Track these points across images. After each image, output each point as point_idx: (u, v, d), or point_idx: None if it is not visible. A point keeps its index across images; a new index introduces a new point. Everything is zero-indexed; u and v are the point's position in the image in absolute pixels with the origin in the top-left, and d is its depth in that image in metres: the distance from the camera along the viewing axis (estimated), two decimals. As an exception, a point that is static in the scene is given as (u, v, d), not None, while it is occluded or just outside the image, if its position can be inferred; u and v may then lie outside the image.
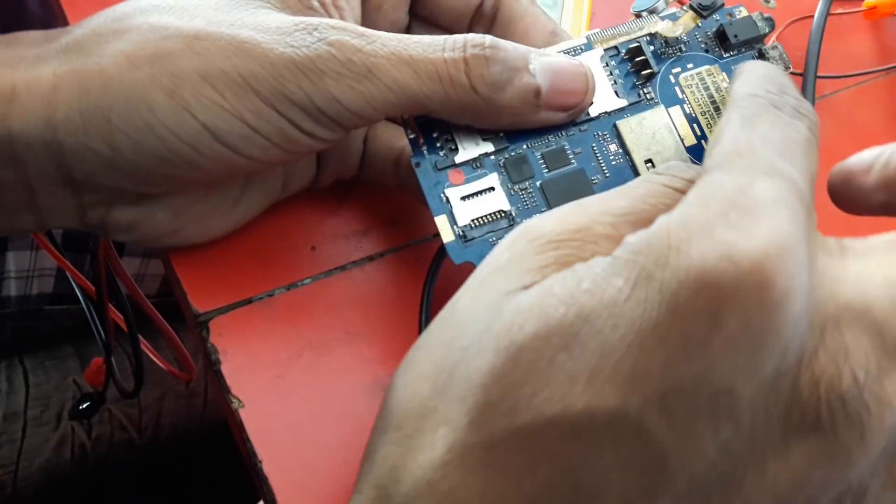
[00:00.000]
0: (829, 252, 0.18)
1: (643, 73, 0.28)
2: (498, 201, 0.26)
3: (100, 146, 0.24)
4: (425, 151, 0.26)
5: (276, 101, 0.24)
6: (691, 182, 0.19)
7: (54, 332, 0.62)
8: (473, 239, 0.25)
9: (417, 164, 0.26)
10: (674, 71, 0.28)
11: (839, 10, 0.49)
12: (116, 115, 0.23)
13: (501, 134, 0.27)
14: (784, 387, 0.17)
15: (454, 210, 0.26)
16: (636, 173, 0.27)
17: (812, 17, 0.46)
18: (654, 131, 0.27)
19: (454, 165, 0.26)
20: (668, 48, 0.28)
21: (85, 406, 0.54)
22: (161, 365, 0.47)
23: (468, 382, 0.17)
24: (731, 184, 0.17)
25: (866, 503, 0.18)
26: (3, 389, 0.57)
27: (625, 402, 0.16)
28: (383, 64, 0.24)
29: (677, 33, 0.28)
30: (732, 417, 0.16)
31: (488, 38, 0.25)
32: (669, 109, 0.27)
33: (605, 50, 0.28)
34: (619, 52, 0.28)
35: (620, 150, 0.27)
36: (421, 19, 0.31)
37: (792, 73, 0.45)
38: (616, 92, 0.27)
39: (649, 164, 0.27)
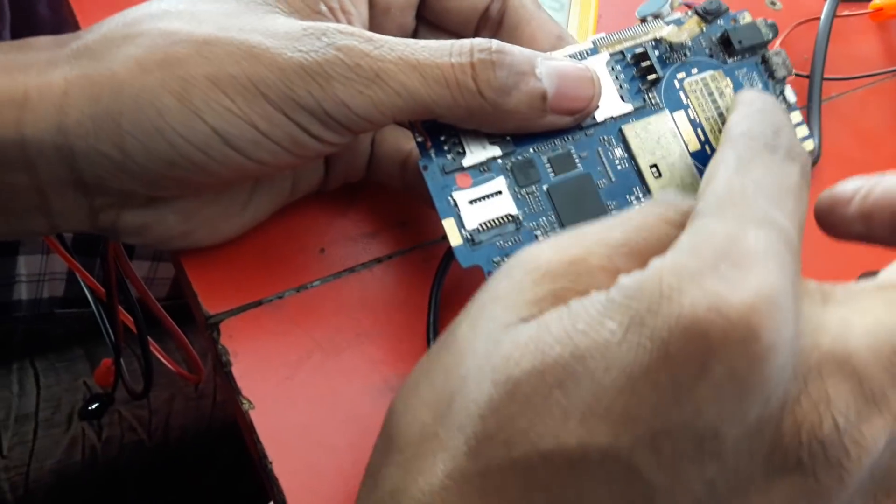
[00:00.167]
0: (812, 299, 0.19)
1: (648, 77, 0.28)
2: (505, 205, 0.26)
3: (110, 150, 0.24)
4: (433, 155, 0.27)
5: (285, 106, 0.24)
6: (686, 215, 0.20)
7: (65, 335, 0.63)
8: (481, 242, 0.26)
9: (425, 168, 0.26)
10: (678, 76, 0.28)
11: (846, 12, 0.49)
12: (127, 119, 0.24)
13: (508, 138, 0.27)
14: (767, 431, 0.17)
15: (462, 213, 0.26)
16: (641, 177, 0.27)
17: (818, 19, 0.47)
18: (658, 136, 0.27)
19: (461, 169, 0.26)
20: (672, 53, 0.28)
21: (94, 407, 0.55)
22: (170, 367, 0.47)
23: (466, 412, 0.18)
24: (724, 232, 0.18)
25: None
26: (15, 392, 0.58)
27: (616, 441, 0.17)
28: (391, 69, 0.24)
29: (682, 38, 0.28)
30: (717, 458, 0.17)
31: (495, 43, 0.25)
32: (674, 114, 0.28)
33: (610, 55, 0.28)
34: (624, 57, 0.28)
35: (626, 155, 0.27)
36: (428, 23, 0.32)
37: (798, 75, 0.45)
38: (621, 97, 0.28)
39: (654, 169, 0.27)
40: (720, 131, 0.27)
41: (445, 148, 0.27)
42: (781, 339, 0.17)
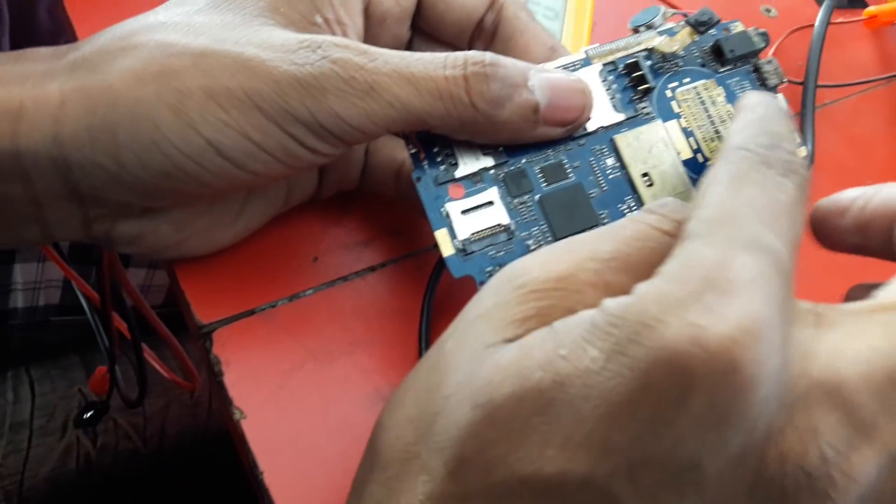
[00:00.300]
0: (804, 323, 0.19)
1: (640, 87, 0.28)
2: (497, 215, 0.26)
3: (106, 161, 0.24)
4: (426, 166, 0.27)
5: (280, 118, 0.24)
6: (679, 223, 0.20)
7: (61, 343, 0.63)
8: (473, 253, 0.26)
9: (418, 179, 0.27)
10: (670, 85, 0.28)
11: (840, 19, 0.50)
12: (123, 131, 0.24)
13: (501, 148, 0.27)
14: (751, 461, 0.17)
15: (454, 224, 0.26)
16: (633, 187, 0.27)
17: (813, 26, 0.47)
18: (650, 146, 0.27)
19: (454, 180, 0.27)
20: (665, 63, 0.28)
21: (89, 414, 0.55)
22: (165, 374, 0.48)
23: (447, 434, 0.18)
24: (711, 258, 0.18)
25: None
26: (10, 399, 0.58)
27: (595, 470, 0.17)
28: (385, 81, 0.25)
29: (674, 48, 0.28)
30: (698, 488, 0.17)
31: (488, 56, 0.26)
32: (666, 124, 0.28)
33: (603, 65, 0.28)
34: (616, 68, 0.28)
35: (618, 164, 0.27)
36: (423, 34, 0.32)
37: (791, 82, 0.45)
38: (614, 106, 0.28)
39: (646, 178, 0.27)
40: (712, 140, 0.28)
41: (438, 159, 0.27)
42: (765, 370, 0.16)
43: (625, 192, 0.27)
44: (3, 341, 0.60)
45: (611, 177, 0.27)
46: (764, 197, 0.19)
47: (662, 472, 0.17)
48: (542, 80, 0.26)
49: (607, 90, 0.28)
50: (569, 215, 0.26)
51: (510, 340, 0.19)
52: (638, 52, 0.28)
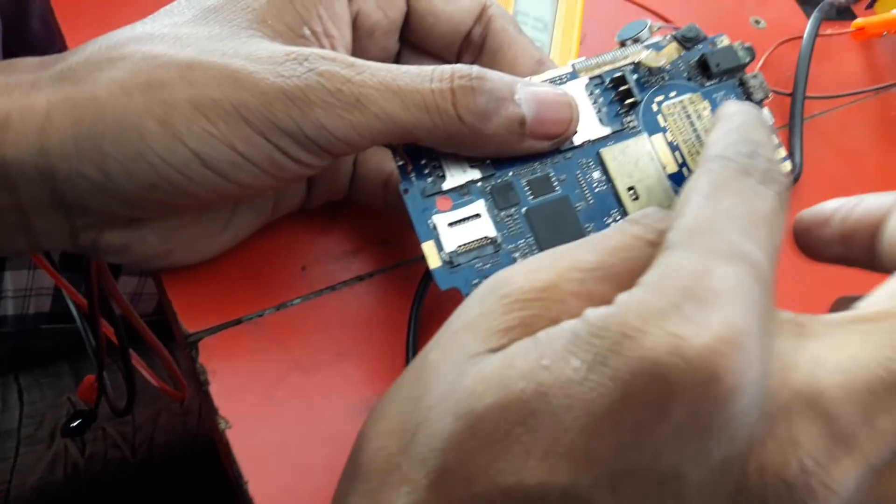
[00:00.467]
0: (785, 333, 0.19)
1: (626, 101, 0.28)
2: (484, 228, 0.26)
3: (92, 172, 0.24)
4: (413, 178, 0.27)
5: (266, 130, 0.24)
6: (662, 233, 0.20)
7: (51, 351, 0.63)
8: (460, 265, 0.26)
9: (406, 191, 0.27)
10: (657, 99, 0.28)
11: (828, 31, 0.50)
12: (109, 142, 0.24)
13: (488, 161, 0.27)
14: (732, 471, 0.17)
15: (441, 236, 0.26)
16: (619, 200, 0.27)
17: (801, 37, 0.47)
18: (636, 159, 0.28)
19: (442, 192, 0.27)
20: (651, 77, 0.29)
21: (77, 423, 0.54)
22: (154, 383, 0.47)
23: (428, 445, 0.18)
24: (690, 268, 0.18)
25: None
26: (-2, 407, 0.57)
27: (576, 480, 0.17)
28: (372, 94, 0.25)
29: (660, 63, 0.28)
30: (679, 499, 0.17)
31: (475, 69, 0.26)
32: (652, 138, 0.28)
33: (589, 79, 0.28)
34: (603, 81, 0.28)
35: (604, 178, 0.27)
36: (411, 46, 0.32)
37: (779, 93, 0.45)
38: (600, 120, 0.28)
39: (631, 192, 0.27)
40: (698, 154, 0.28)
41: (426, 171, 0.27)
42: (745, 380, 0.16)
43: (611, 205, 0.27)
44: (-8, 349, 0.60)
45: (597, 190, 0.27)
46: (743, 206, 0.19)
47: (644, 483, 0.17)
48: (528, 93, 0.26)
49: (594, 104, 0.28)
50: (555, 228, 0.26)
51: (494, 350, 0.19)
52: (624, 65, 0.28)
